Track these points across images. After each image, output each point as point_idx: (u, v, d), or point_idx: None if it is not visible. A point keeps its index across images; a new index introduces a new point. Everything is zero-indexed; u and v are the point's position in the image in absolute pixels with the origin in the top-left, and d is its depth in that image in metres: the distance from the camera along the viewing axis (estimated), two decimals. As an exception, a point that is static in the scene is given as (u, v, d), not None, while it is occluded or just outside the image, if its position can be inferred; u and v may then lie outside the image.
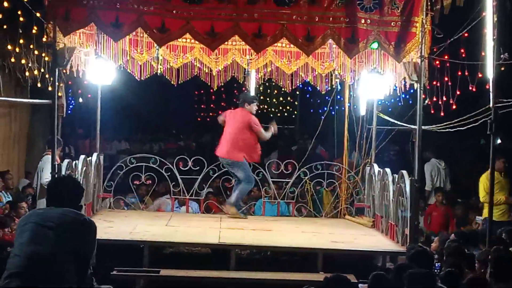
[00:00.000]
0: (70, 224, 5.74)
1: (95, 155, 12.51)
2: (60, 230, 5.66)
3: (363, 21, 9.84)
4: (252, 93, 13.78)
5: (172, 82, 12.83)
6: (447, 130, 11.00)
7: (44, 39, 10.29)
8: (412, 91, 10.88)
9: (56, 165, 9.99)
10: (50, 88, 10.52)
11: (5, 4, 10.48)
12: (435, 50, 10.91)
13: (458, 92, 11.20)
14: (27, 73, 12.97)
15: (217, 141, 12.86)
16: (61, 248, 5.62)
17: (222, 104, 28.40)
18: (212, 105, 29.19)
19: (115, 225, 11.16)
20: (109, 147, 21.32)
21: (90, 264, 5.91)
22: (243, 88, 15.07)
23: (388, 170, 11.42)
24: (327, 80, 13.01)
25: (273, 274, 9.63)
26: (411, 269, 6.70)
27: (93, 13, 9.78)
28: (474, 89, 10.88)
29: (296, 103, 27.63)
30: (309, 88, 21.09)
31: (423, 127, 10.07)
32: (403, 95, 12.04)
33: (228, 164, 12.34)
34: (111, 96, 14.81)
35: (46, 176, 11.42)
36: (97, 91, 12.90)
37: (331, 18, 9.88)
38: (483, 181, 11.79)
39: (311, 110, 25.81)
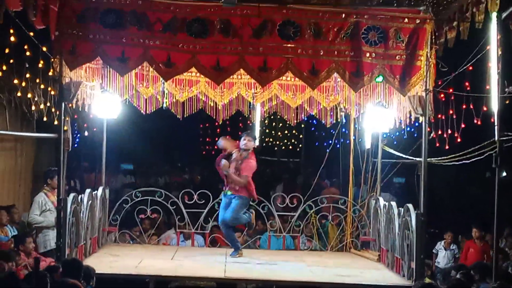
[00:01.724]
0: None
1: (100, 188, 12.51)
2: None
3: (368, 54, 9.89)
4: (257, 126, 13.79)
5: (177, 116, 12.85)
6: (453, 163, 10.98)
7: (50, 73, 10.34)
8: (417, 124, 10.88)
9: (62, 199, 9.97)
10: (56, 122, 10.53)
11: (12, 38, 10.54)
12: (439, 83, 10.92)
13: (463, 125, 11.19)
14: (33, 107, 13.00)
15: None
16: None
17: (227, 137, 28.31)
18: (216, 139, 29.05)
19: (120, 259, 11.14)
20: (114, 181, 21.27)
21: None
22: (248, 122, 15.07)
23: (393, 203, 11.41)
24: (332, 113, 13.03)
25: (279, 308, 9.60)
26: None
27: (99, 48, 9.85)
28: (479, 122, 10.86)
29: (301, 136, 27.56)
30: (314, 121, 21.10)
31: (428, 160, 10.07)
32: (408, 128, 12.03)
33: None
34: (117, 130, 14.84)
35: (30, 214, 11.65)
36: (102, 124, 12.95)
37: (336, 52, 9.94)
38: None
39: (316, 143, 25.75)
